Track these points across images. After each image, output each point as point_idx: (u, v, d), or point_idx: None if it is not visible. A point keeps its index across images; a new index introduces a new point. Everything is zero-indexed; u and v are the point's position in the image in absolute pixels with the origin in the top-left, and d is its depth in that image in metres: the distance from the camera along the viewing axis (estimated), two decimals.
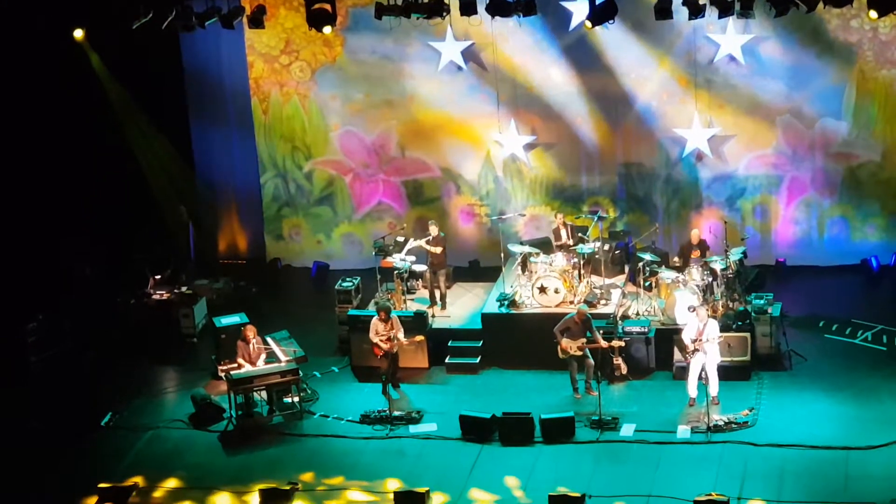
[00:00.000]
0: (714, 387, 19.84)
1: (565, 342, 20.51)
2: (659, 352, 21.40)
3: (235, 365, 20.71)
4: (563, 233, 23.28)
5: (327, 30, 21.13)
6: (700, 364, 19.70)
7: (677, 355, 20.83)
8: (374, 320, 20.86)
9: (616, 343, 20.76)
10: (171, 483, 19.04)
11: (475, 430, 19.71)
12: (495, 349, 22.09)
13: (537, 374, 21.39)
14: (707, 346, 19.62)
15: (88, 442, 20.35)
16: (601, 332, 20.73)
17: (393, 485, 18.41)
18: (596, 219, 23.24)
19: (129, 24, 21.73)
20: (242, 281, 25.48)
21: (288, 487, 18.25)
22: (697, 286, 21.78)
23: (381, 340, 20.72)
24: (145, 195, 25.66)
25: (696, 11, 20.73)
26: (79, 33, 23.18)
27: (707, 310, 20.27)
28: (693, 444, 19.14)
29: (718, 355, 19.92)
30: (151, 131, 25.87)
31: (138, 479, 19.04)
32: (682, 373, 20.89)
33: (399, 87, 25.24)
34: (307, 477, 18.89)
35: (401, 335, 20.78)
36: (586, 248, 22.61)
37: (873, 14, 20.13)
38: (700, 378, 19.71)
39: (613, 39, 23.94)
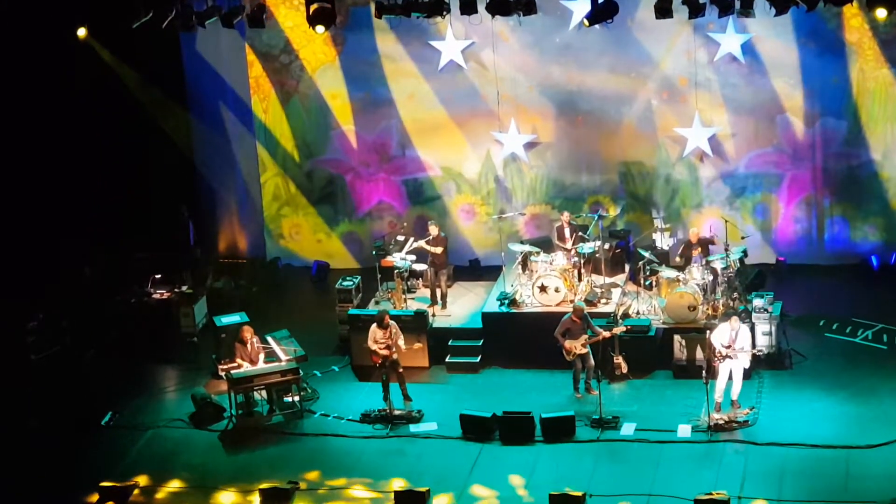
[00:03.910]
0: (737, 390, 19.79)
1: (568, 343, 20.49)
2: (659, 350, 21.42)
3: (235, 364, 20.70)
4: (567, 232, 23.27)
5: (320, 30, 21.10)
6: (728, 370, 19.62)
7: (699, 355, 20.75)
8: (373, 327, 20.68)
9: (618, 329, 20.75)
10: (172, 482, 19.02)
11: (475, 429, 19.71)
12: (496, 348, 22.08)
13: (538, 373, 21.39)
14: (740, 354, 19.62)
15: (89, 441, 20.35)
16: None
17: (394, 484, 18.39)
18: (597, 218, 23.24)
19: (129, 24, 21.72)
20: (243, 280, 25.50)
21: (289, 487, 18.23)
22: (698, 285, 21.79)
23: (380, 348, 20.64)
24: (145, 193, 25.62)
25: (696, 10, 20.75)
26: (82, 32, 23.13)
27: (738, 319, 20.02)
28: (694, 443, 19.15)
29: (748, 360, 19.88)
30: (172, 104, 25.76)
31: (139, 479, 19.03)
32: (683, 372, 20.96)
33: (399, 86, 25.23)
34: (308, 476, 18.88)
35: (400, 342, 20.68)
36: (587, 247, 22.62)
37: (881, 13, 20.09)
38: (702, 378, 19.65)
39: (614, 38, 23.93)
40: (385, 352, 20.57)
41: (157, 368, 22.80)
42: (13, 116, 23.81)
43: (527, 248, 23.01)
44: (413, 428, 20.12)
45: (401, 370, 20.78)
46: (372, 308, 22.97)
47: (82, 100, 24.49)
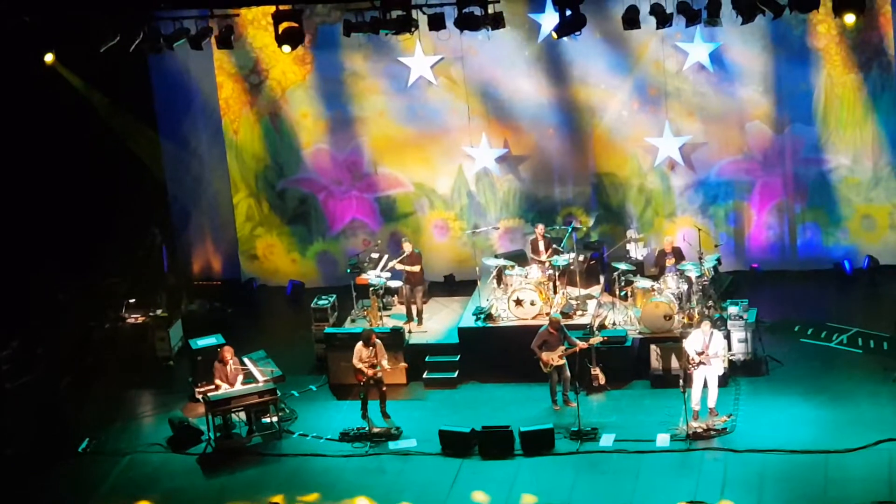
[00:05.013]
0: (713, 397, 19.81)
1: (545, 355, 20.49)
2: (636, 360, 21.44)
3: (213, 387, 20.63)
4: (542, 244, 23.28)
5: (287, 49, 21.08)
6: (703, 376, 19.66)
7: (675, 363, 20.78)
8: (358, 346, 20.66)
9: (594, 340, 20.75)
10: None
11: (455, 444, 19.68)
12: (473, 363, 22.05)
13: (516, 386, 21.37)
14: (713, 360, 19.65)
15: (66, 468, 20.21)
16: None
17: (375, 502, 18.35)
18: (570, 230, 23.27)
19: (96, 48, 21.64)
20: (217, 302, 25.40)
21: None
22: (673, 294, 21.82)
23: (365, 367, 20.59)
24: (117, 217, 25.47)
25: (663, 21, 20.83)
26: (49, 57, 23.01)
27: (708, 324, 20.07)
28: (673, 452, 19.16)
29: (722, 367, 19.92)
30: (140, 126, 25.65)
31: None
32: (660, 381, 20.99)
33: (370, 104, 25.23)
34: (305, 499, 18.81)
35: (384, 362, 20.65)
36: (561, 259, 22.63)
37: (849, 18, 20.17)
38: (679, 387, 19.68)
39: (582, 50, 24.02)
40: (370, 371, 20.53)
41: (133, 393, 22.68)
42: None
43: (501, 262, 23.01)
44: (392, 445, 20.08)
45: (384, 389, 20.75)
46: (348, 326, 22.92)
47: (50, 124, 24.31)
